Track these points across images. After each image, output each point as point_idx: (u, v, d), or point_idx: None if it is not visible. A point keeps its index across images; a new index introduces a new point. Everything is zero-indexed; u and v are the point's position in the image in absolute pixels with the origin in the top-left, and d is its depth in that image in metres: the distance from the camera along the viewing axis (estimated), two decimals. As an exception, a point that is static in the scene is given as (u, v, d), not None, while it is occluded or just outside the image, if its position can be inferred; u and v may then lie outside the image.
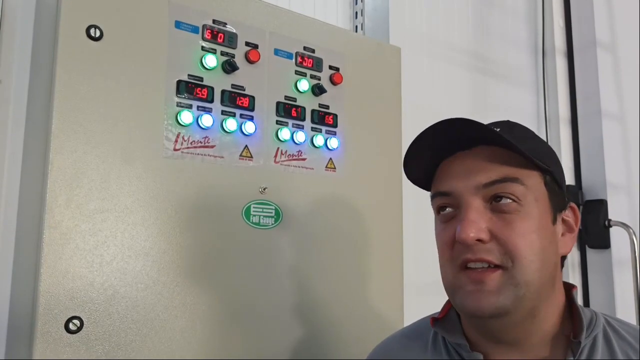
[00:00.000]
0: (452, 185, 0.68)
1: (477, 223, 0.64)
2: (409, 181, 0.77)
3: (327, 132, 1.22)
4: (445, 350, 0.75)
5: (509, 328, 0.67)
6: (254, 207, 1.09)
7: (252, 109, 1.11)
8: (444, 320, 0.76)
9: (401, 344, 0.84)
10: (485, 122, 0.67)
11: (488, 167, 0.67)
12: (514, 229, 0.64)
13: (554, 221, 0.69)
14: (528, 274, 0.64)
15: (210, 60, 1.04)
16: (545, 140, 0.77)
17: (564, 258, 0.73)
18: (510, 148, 0.65)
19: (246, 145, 1.09)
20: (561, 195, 0.71)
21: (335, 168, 1.22)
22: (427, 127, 0.68)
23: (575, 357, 0.65)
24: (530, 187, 0.67)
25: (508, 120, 0.73)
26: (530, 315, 0.67)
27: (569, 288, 0.73)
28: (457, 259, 0.67)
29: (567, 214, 0.72)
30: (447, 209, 0.70)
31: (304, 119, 1.18)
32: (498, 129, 0.66)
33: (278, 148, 1.14)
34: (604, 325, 0.70)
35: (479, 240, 0.64)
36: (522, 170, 0.67)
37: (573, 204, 0.73)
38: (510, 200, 0.65)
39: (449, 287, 0.69)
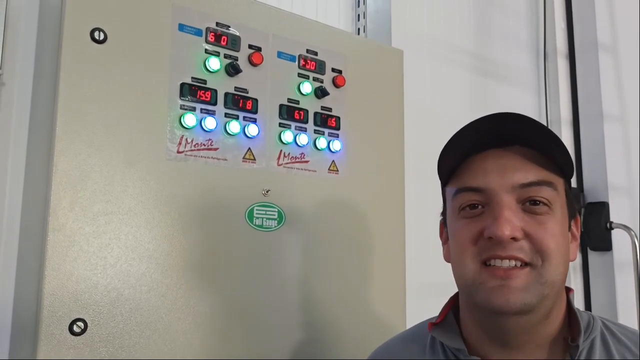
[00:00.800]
0: (486, 181, 0.67)
1: (512, 221, 0.64)
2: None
3: (330, 134, 1.22)
4: (443, 354, 0.75)
5: (524, 329, 0.68)
6: (257, 210, 1.09)
7: (255, 112, 1.11)
8: (442, 325, 0.76)
9: (400, 347, 0.84)
10: None
11: (526, 167, 0.67)
12: (547, 229, 0.65)
13: (569, 228, 0.71)
14: (554, 274, 0.65)
15: (214, 63, 1.05)
16: None
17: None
18: (550, 151, 0.66)
19: (249, 148, 1.09)
20: (573, 204, 0.73)
21: (337, 170, 1.23)
22: (477, 118, 0.68)
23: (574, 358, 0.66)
24: (560, 192, 0.68)
25: (533, 119, 0.72)
26: (545, 316, 0.68)
27: (566, 291, 0.73)
28: (480, 255, 0.67)
29: (572, 223, 0.73)
30: (478, 206, 0.68)
31: (306, 122, 1.19)
32: None
33: (281, 150, 1.14)
34: (602, 328, 0.70)
35: (513, 238, 0.64)
36: (555, 175, 0.68)
37: (577, 216, 0.75)
38: (543, 204, 0.66)
39: (469, 284, 0.68)
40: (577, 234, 0.74)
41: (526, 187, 0.66)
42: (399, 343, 0.86)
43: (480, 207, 0.68)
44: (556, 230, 0.66)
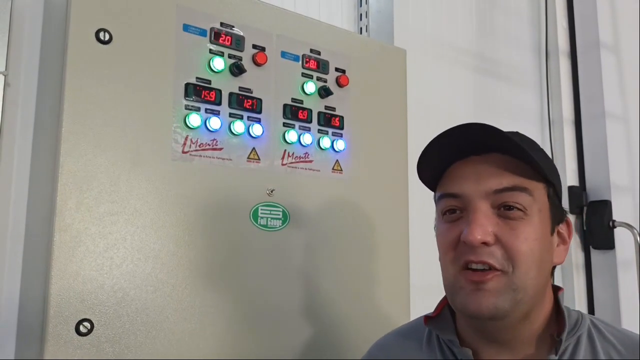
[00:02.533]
0: (463, 188, 0.70)
1: (484, 226, 0.66)
2: (415, 183, 0.79)
3: (334, 134, 1.22)
4: (439, 349, 0.78)
5: (504, 329, 0.70)
6: (261, 209, 1.09)
7: (260, 112, 1.11)
8: (438, 319, 0.79)
9: (397, 341, 0.86)
10: (489, 123, 0.69)
11: (500, 174, 0.69)
12: (518, 235, 0.67)
13: (552, 232, 0.72)
14: (526, 280, 0.66)
15: (218, 63, 1.05)
16: (549, 141, 0.80)
17: (554, 267, 0.76)
18: (525, 158, 0.67)
19: (254, 148, 1.10)
20: (560, 208, 0.73)
21: (341, 170, 1.23)
22: (446, 129, 0.70)
23: (557, 356, 0.68)
24: (536, 197, 0.69)
25: (517, 132, 0.75)
26: (524, 318, 0.69)
27: (556, 290, 0.75)
28: (459, 259, 0.69)
29: (562, 227, 0.74)
30: (456, 211, 0.71)
31: (310, 121, 1.19)
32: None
33: (285, 150, 1.14)
34: (589, 326, 0.72)
35: (484, 243, 0.66)
36: (530, 181, 0.69)
37: (568, 218, 0.75)
38: (517, 209, 0.67)
39: (449, 287, 0.71)
40: (568, 237, 0.75)
41: (500, 192, 0.68)
42: (395, 337, 0.88)
43: (458, 212, 0.71)
44: (529, 235, 0.67)
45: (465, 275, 0.68)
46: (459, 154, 0.72)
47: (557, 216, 0.73)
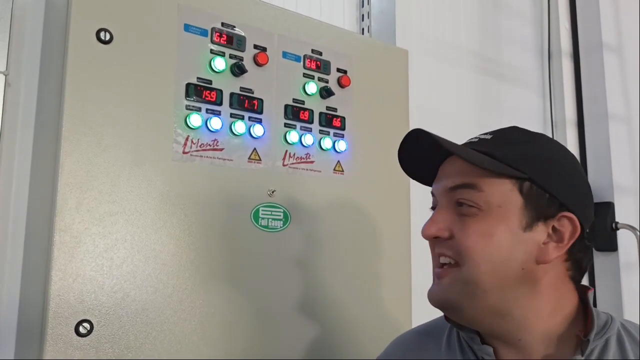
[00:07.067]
0: (434, 187, 0.76)
1: (438, 222, 0.71)
2: (416, 184, 0.83)
3: (335, 134, 1.22)
4: (459, 348, 0.77)
5: (497, 328, 0.70)
6: (262, 210, 1.09)
7: (261, 112, 1.11)
8: None
9: (416, 341, 0.86)
10: (491, 123, 0.69)
11: (454, 173, 0.72)
12: (467, 230, 0.69)
13: (529, 228, 0.68)
14: (477, 274, 0.67)
15: (219, 63, 1.05)
16: (562, 146, 0.78)
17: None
18: (466, 157, 0.69)
19: (255, 148, 1.09)
20: (550, 203, 0.68)
21: (343, 171, 1.22)
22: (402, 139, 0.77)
23: (583, 356, 0.66)
24: (492, 193, 0.68)
25: (514, 126, 0.76)
26: (495, 314, 0.69)
27: (584, 290, 0.73)
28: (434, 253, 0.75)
29: (562, 224, 0.69)
30: (435, 207, 0.75)
31: (312, 122, 1.18)
32: (488, 136, 0.73)
33: (286, 151, 1.14)
34: (619, 329, 0.70)
35: (436, 237, 0.71)
36: (483, 178, 0.69)
37: (571, 215, 0.69)
38: (468, 205, 0.69)
39: None
40: (566, 236, 0.69)
41: (453, 190, 0.71)
42: (415, 336, 0.87)
43: (436, 208, 0.75)
44: (480, 231, 0.68)
45: (434, 270, 0.73)
46: (443, 154, 0.75)
47: (541, 211, 0.68)
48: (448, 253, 0.70)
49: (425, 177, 0.80)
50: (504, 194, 0.68)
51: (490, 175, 0.69)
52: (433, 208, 0.76)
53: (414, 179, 0.82)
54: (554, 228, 0.69)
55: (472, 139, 0.75)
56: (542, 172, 0.69)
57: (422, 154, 0.77)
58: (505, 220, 0.68)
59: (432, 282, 0.74)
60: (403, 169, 0.81)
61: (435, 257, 0.73)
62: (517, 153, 0.70)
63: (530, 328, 0.70)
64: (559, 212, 0.69)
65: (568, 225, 0.69)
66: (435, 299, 0.72)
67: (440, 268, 0.72)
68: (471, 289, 0.68)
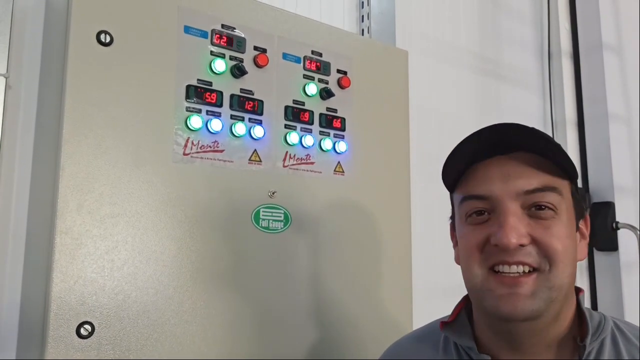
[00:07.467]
0: (490, 189, 0.68)
1: (518, 229, 0.65)
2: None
3: (335, 135, 1.22)
4: (456, 352, 0.76)
5: (533, 332, 0.68)
6: (263, 211, 1.09)
7: (261, 113, 1.11)
8: (454, 324, 0.77)
9: (413, 345, 0.85)
10: (491, 124, 0.68)
11: (529, 173, 0.67)
12: (553, 233, 0.66)
13: (577, 228, 0.71)
14: (562, 277, 0.66)
15: (219, 65, 1.05)
16: None
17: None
18: (554, 157, 0.67)
19: (255, 150, 1.09)
20: (581, 204, 0.73)
21: (343, 171, 1.22)
22: (480, 129, 0.69)
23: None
24: (565, 196, 0.68)
25: (534, 128, 0.73)
26: (554, 319, 0.68)
27: (576, 292, 0.74)
28: (487, 261, 0.68)
29: (586, 221, 0.74)
30: (484, 213, 0.69)
31: (312, 123, 1.18)
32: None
33: (287, 152, 1.14)
34: (613, 328, 0.71)
35: (520, 245, 0.65)
36: (559, 179, 0.68)
37: (587, 214, 0.75)
38: (549, 209, 0.67)
39: (477, 290, 0.69)
40: (587, 233, 0.75)
41: (531, 193, 0.66)
42: (411, 341, 0.86)
43: (486, 213, 0.69)
44: (562, 233, 0.67)
45: (497, 278, 0.66)
46: (481, 154, 0.70)
47: (579, 213, 0.72)
48: (528, 260, 0.65)
49: (450, 182, 0.75)
50: (568, 196, 0.70)
51: (561, 176, 0.69)
52: (481, 212, 0.69)
53: (447, 184, 0.76)
54: (579, 227, 0.72)
55: None
56: (576, 174, 0.72)
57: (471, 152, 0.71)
58: (570, 222, 0.69)
59: (487, 290, 0.67)
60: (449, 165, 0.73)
61: (494, 264, 0.67)
62: (564, 153, 0.69)
63: (554, 332, 0.69)
64: (584, 212, 0.74)
65: (584, 222, 0.74)
66: (523, 310, 0.64)
67: (506, 276, 0.66)
68: (555, 294, 0.66)
